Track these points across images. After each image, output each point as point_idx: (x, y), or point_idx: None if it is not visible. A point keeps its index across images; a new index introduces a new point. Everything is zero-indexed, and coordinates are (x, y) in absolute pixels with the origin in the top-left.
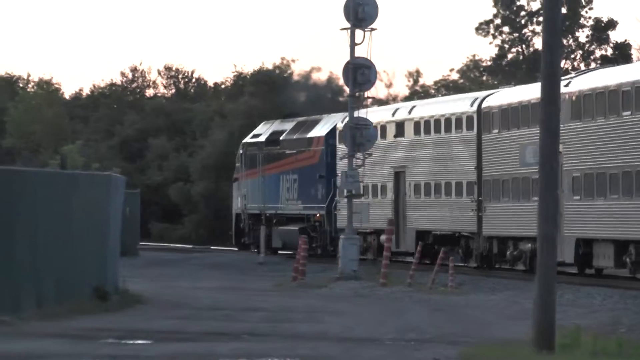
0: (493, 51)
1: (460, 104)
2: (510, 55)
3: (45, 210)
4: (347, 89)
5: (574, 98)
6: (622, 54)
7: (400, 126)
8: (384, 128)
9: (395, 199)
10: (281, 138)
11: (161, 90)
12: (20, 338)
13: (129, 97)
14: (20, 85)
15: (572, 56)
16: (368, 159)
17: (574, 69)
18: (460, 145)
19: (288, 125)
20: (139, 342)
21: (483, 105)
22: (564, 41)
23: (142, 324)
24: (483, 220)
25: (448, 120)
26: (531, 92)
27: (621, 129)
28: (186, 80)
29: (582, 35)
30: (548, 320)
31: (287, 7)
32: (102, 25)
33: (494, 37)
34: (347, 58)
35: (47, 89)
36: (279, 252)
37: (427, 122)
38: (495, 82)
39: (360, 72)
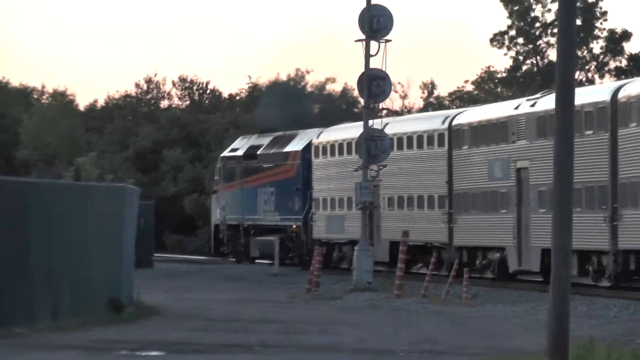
0: (508, 63)
1: (432, 121)
2: (524, 67)
3: (60, 221)
4: (362, 100)
5: (539, 117)
6: (636, 65)
7: None
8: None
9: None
10: (259, 152)
11: (176, 101)
12: (35, 350)
13: (144, 108)
14: (35, 96)
15: (587, 67)
16: (342, 173)
17: (588, 80)
18: (432, 160)
19: (265, 140)
20: (153, 353)
21: (454, 123)
22: (579, 52)
23: (156, 335)
24: (454, 231)
25: (420, 137)
26: (498, 111)
27: (585, 147)
28: (201, 91)
29: (597, 46)
30: (562, 331)
31: (302, 18)
32: (116, 36)
33: (509, 48)
34: (362, 69)
35: (62, 100)
36: (256, 260)
37: (400, 139)
38: (510, 94)
39: (375, 83)
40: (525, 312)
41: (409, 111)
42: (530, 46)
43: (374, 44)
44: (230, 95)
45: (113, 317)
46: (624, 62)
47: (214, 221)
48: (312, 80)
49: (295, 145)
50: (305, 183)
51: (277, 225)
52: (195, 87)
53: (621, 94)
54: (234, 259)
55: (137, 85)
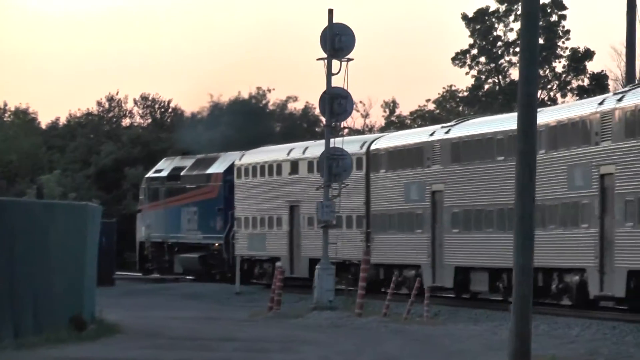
0: (469, 81)
1: (351, 146)
2: (487, 86)
3: (22, 239)
4: (323, 119)
5: (453, 143)
6: (598, 84)
7: (295, 165)
8: (279, 166)
9: (290, 230)
10: (182, 174)
11: (137, 119)
12: None
13: (106, 126)
14: None
15: (549, 86)
16: (264, 193)
17: (550, 99)
18: (350, 183)
19: (188, 162)
20: None
21: (371, 148)
22: (541, 72)
23: (118, 353)
24: (372, 249)
25: None
26: (414, 137)
27: (496, 172)
28: (162, 109)
29: (559, 65)
30: (524, 350)
31: (263, 36)
32: (78, 54)
33: (471, 67)
34: (324, 88)
35: (24, 118)
36: (180, 276)
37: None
38: (472, 113)
39: (336, 102)
40: (487, 330)
41: (370, 130)
42: (492, 65)
43: (335, 63)
44: (192, 113)
45: (75, 335)
46: (586, 81)
47: (139, 239)
48: (273, 99)
49: (217, 168)
50: (226, 203)
51: (200, 243)
52: (157, 106)
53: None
54: (157, 275)
55: (99, 104)
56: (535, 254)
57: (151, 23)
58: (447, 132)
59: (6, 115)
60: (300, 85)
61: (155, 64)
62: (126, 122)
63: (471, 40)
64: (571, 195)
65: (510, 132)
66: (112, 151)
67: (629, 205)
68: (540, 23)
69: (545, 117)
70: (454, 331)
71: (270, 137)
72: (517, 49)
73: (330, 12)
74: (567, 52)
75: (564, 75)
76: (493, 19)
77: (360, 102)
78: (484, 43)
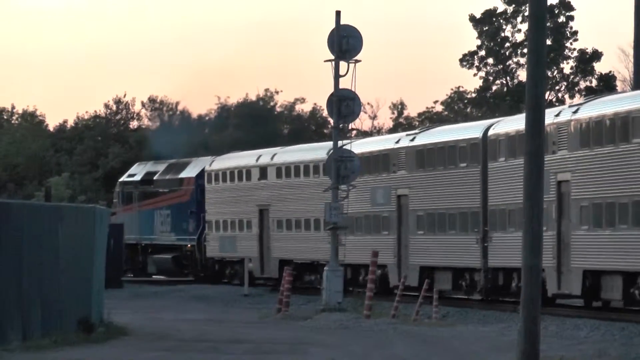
0: (477, 83)
1: (318, 152)
2: (494, 87)
3: (30, 242)
4: (331, 121)
5: (418, 150)
6: (606, 85)
7: (263, 170)
8: (249, 172)
9: (260, 232)
10: (155, 178)
11: (145, 122)
12: None
13: (113, 129)
14: (5, 117)
15: (557, 87)
16: (234, 197)
17: (558, 100)
18: (317, 187)
19: (161, 167)
20: None
21: None
22: (549, 73)
23: (126, 356)
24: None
25: (307, 167)
26: (380, 144)
27: (459, 178)
28: (170, 112)
29: (567, 66)
30: (532, 351)
31: (271, 38)
32: (86, 57)
33: (479, 68)
34: (331, 90)
35: (32, 121)
36: (153, 276)
37: (288, 168)
38: (480, 114)
39: (344, 104)
40: (496, 332)
41: (379, 132)
42: (500, 66)
43: (343, 65)
44: (199, 115)
45: (83, 338)
46: (594, 82)
47: None
48: (281, 101)
49: (189, 172)
50: (198, 206)
51: (173, 244)
52: (164, 108)
53: (491, 132)
54: (131, 275)
55: (107, 106)
56: (496, 255)
57: (159, 26)
58: (412, 140)
59: (14, 118)
60: (308, 87)
61: (162, 66)
62: (134, 124)
63: (479, 42)
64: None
65: (473, 140)
66: (119, 153)
67: (584, 210)
68: (548, 24)
69: (506, 127)
70: (463, 332)
71: (278, 138)
72: (525, 50)
73: (338, 13)
74: (575, 53)
75: (571, 77)
76: (501, 20)
77: (368, 103)
78: (491, 44)
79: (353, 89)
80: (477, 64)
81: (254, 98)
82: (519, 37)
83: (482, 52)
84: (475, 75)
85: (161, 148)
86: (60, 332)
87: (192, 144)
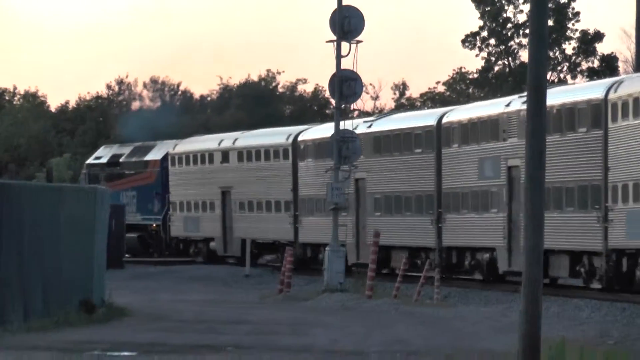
0: (479, 63)
1: (278, 137)
2: (496, 68)
3: (31, 223)
4: (333, 101)
5: (375, 137)
6: (608, 66)
7: (226, 154)
8: (211, 155)
9: (222, 213)
10: (121, 160)
11: (147, 102)
12: (6, 350)
13: (115, 109)
14: (6, 98)
15: (559, 68)
16: (197, 180)
17: (560, 81)
18: (278, 171)
19: (126, 150)
20: (125, 354)
21: (298, 139)
22: (551, 53)
23: (127, 336)
24: (299, 231)
25: (267, 151)
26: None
27: (414, 163)
28: (172, 92)
29: (569, 47)
30: (534, 332)
31: (273, 18)
32: (88, 37)
33: (481, 49)
34: (333, 70)
35: (33, 101)
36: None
37: (249, 152)
38: (482, 95)
39: (346, 84)
40: (497, 313)
41: (380, 112)
42: (502, 47)
43: (345, 45)
44: (201, 96)
45: (85, 318)
46: (596, 63)
47: None
48: (283, 81)
49: (155, 155)
50: (163, 188)
51: (139, 224)
52: (166, 89)
53: (445, 120)
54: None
55: (109, 87)
56: (450, 235)
57: (161, 5)
58: (369, 127)
59: (16, 99)
60: (309, 67)
61: (164, 47)
62: (136, 105)
63: (481, 22)
64: (482, 184)
65: (428, 128)
66: (121, 134)
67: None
68: (550, 5)
69: (459, 115)
70: (464, 313)
71: (280, 119)
72: (527, 31)
73: None
74: (577, 34)
75: (573, 57)
76: (503, 1)
77: (370, 84)
78: (493, 25)
79: (355, 70)
80: (479, 45)
81: (255, 79)
82: (521, 17)
83: (484, 33)
84: (477, 56)
85: (131, 131)
86: (61, 313)
87: (161, 127)
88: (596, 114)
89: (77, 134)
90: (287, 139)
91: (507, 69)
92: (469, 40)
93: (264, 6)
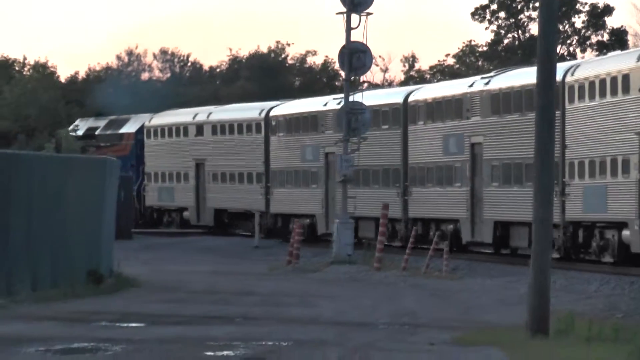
0: (489, 36)
1: (251, 112)
2: (506, 41)
3: (40, 193)
4: (342, 74)
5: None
6: (618, 39)
7: (200, 127)
8: (186, 128)
9: (196, 184)
10: (97, 133)
11: (157, 73)
12: (14, 321)
13: (125, 80)
14: (16, 68)
15: (568, 42)
16: (172, 152)
17: (569, 54)
18: (251, 144)
19: (102, 123)
20: (133, 325)
21: (271, 114)
22: (560, 27)
23: (136, 307)
24: (270, 201)
25: (240, 125)
26: (309, 106)
27: (382, 138)
28: (182, 64)
29: (579, 21)
30: (542, 305)
31: None
32: (98, 8)
33: (490, 22)
34: (343, 42)
35: (43, 72)
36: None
37: (223, 126)
38: (491, 67)
39: (355, 56)
40: (504, 286)
41: (390, 84)
42: (512, 20)
43: (355, 17)
44: (210, 67)
45: (93, 289)
46: (605, 37)
47: None
48: (292, 53)
49: (130, 128)
50: (138, 160)
51: None
52: (176, 60)
53: (411, 98)
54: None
55: (118, 58)
56: (415, 207)
57: None
58: (339, 103)
59: (25, 69)
60: (319, 39)
61: (174, 18)
62: (145, 76)
63: None
64: (446, 160)
65: (395, 105)
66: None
67: (495, 169)
68: None
69: (425, 94)
70: (471, 286)
71: (290, 91)
72: (537, 4)
73: None
74: (587, 8)
75: (583, 31)
76: None
77: (380, 56)
78: None
79: (364, 42)
80: (489, 18)
81: (265, 50)
82: None
83: (494, 6)
84: (486, 28)
85: (105, 103)
86: (69, 284)
87: (134, 101)
88: (555, 96)
89: (86, 105)
90: (260, 114)
91: (517, 42)
92: (479, 13)
93: None
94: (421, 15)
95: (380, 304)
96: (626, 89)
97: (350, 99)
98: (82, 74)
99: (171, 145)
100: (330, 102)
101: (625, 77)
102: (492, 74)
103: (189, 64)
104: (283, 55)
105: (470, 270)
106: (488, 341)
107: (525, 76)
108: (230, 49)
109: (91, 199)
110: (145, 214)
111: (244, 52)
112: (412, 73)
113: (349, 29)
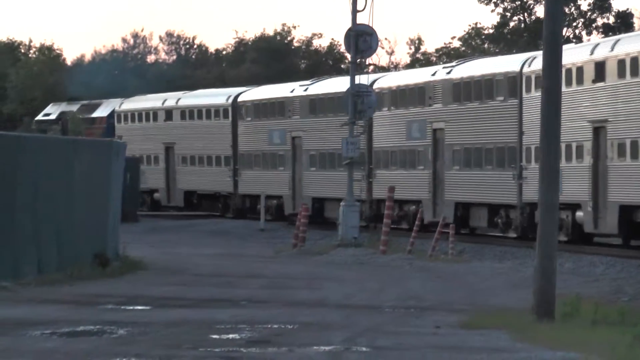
0: (495, 19)
1: (219, 98)
2: (512, 24)
3: (46, 176)
4: (348, 56)
5: (311, 99)
6: (624, 22)
7: (169, 112)
8: (155, 113)
9: (166, 167)
10: (69, 117)
11: (162, 56)
12: (20, 304)
13: (130, 63)
14: (22, 51)
15: (574, 24)
16: (142, 136)
17: (575, 37)
18: (219, 128)
19: (74, 107)
20: (139, 308)
21: (238, 100)
22: (566, 9)
23: (141, 290)
24: (239, 183)
25: (209, 110)
26: (276, 92)
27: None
28: (187, 46)
29: (584, 3)
30: (548, 288)
31: None
32: None
33: (496, 5)
34: (349, 25)
35: (49, 54)
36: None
37: (191, 111)
38: (497, 50)
39: (362, 39)
40: (511, 268)
41: (396, 67)
42: (518, 3)
43: (361, 0)
44: (216, 50)
45: (99, 272)
46: (611, 19)
47: None
48: (298, 36)
49: (102, 112)
50: None
51: None
52: (182, 42)
53: (376, 85)
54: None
55: (124, 40)
56: (380, 189)
57: None
58: (305, 90)
59: (31, 51)
60: (325, 22)
61: (180, 0)
62: (151, 58)
63: None
64: (410, 144)
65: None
66: (136, 88)
67: (456, 153)
68: None
69: (390, 81)
70: (478, 269)
71: (296, 73)
72: None
73: None
74: None
75: (589, 13)
76: None
77: (386, 39)
78: None
79: (371, 25)
80: (495, 0)
81: (271, 33)
82: None
83: None
84: (492, 11)
85: (77, 88)
86: (75, 266)
87: (107, 85)
88: (513, 85)
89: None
90: (228, 99)
91: (523, 25)
92: None
93: None
94: None
95: (386, 287)
96: (580, 81)
97: (311, 87)
98: (88, 57)
99: (141, 130)
100: (297, 89)
101: (579, 70)
102: (453, 63)
103: (195, 46)
104: (289, 38)
105: (477, 253)
106: (494, 324)
107: (486, 66)
108: (237, 32)
109: (97, 182)
110: None
111: (250, 35)
112: (418, 55)
113: (355, 11)
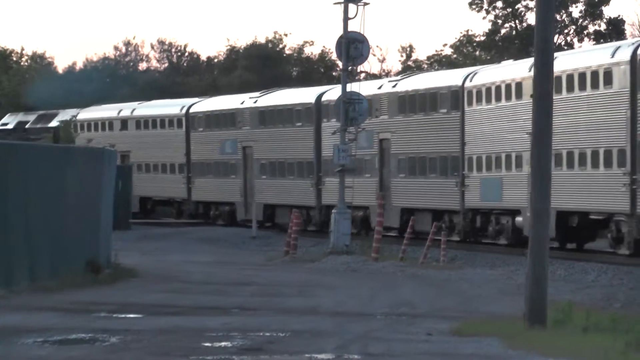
0: (486, 26)
1: (172, 108)
2: (503, 31)
3: (38, 183)
4: (340, 63)
5: (260, 111)
6: (615, 29)
7: (124, 122)
8: (111, 123)
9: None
10: (27, 126)
11: (154, 64)
12: (13, 311)
13: (122, 71)
14: (14, 58)
15: (566, 31)
16: (99, 144)
17: (567, 44)
18: (173, 138)
19: (31, 117)
20: (131, 315)
21: (191, 111)
22: (557, 16)
23: (134, 297)
24: (192, 190)
25: (163, 120)
26: (227, 103)
27: (296, 134)
28: (179, 54)
29: (576, 10)
30: (540, 295)
31: None
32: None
33: (487, 12)
34: (341, 32)
35: (41, 62)
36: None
37: (146, 121)
38: (488, 57)
39: (353, 46)
40: (504, 275)
41: (387, 74)
42: (509, 10)
43: (352, 7)
44: (208, 57)
45: (91, 279)
46: (603, 26)
47: None
48: (290, 43)
49: (58, 122)
50: None
51: None
52: (173, 50)
53: (324, 98)
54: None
55: (116, 48)
56: (329, 196)
57: None
58: (255, 102)
59: (23, 59)
60: (317, 29)
61: (172, 8)
62: (143, 66)
63: None
64: (357, 153)
65: (307, 105)
66: (128, 95)
67: (401, 162)
68: None
69: (334, 95)
70: (470, 276)
71: (288, 81)
72: None
73: None
74: None
75: (580, 20)
76: None
77: (377, 46)
78: None
79: (362, 32)
80: (486, 7)
81: (262, 40)
82: None
83: None
84: (484, 18)
85: (41, 97)
86: (67, 274)
87: (64, 94)
88: (455, 99)
89: (83, 95)
90: (181, 110)
91: (514, 32)
92: (476, 3)
93: None
94: (419, 5)
95: (378, 294)
96: (519, 95)
97: (260, 100)
98: (79, 65)
99: (98, 139)
100: (247, 101)
101: (519, 85)
102: (398, 77)
103: (187, 54)
104: (281, 46)
105: (469, 260)
106: (486, 331)
107: (430, 80)
108: (228, 39)
109: (89, 189)
110: None
111: (241, 42)
112: (410, 63)
113: (346, 18)
